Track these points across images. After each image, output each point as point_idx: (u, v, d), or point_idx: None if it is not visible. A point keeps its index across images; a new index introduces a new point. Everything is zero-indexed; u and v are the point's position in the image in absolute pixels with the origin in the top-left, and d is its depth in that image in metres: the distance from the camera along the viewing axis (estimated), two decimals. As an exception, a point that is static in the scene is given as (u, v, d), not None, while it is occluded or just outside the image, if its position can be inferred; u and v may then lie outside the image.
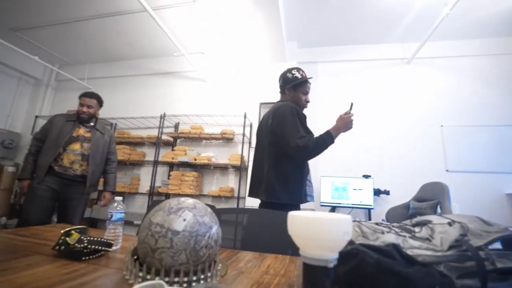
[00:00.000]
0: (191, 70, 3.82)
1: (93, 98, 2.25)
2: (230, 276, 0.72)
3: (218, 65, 3.83)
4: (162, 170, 3.55)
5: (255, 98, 3.46)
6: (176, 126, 3.68)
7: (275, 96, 3.28)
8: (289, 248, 1.12)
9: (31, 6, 3.20)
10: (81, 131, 2.19)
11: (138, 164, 3.73)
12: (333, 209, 3.00)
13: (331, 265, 0.47)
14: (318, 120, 3.37)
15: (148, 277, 0.59)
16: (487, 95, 3.20)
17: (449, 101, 3.26)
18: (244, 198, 3.09)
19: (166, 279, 0.58)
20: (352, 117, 1.52)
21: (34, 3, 3.13)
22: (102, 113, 2.49)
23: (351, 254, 0.61)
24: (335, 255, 0.47)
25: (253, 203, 2.94)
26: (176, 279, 0.60)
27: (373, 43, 3.60)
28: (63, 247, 0.80)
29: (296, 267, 0.85)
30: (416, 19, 3.11)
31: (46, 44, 4.10)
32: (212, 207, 1.11)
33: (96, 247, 0.81)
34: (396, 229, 0.69)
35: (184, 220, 0.63)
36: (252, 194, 1.60)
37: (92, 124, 2.28)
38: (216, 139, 3.42)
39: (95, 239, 0.82)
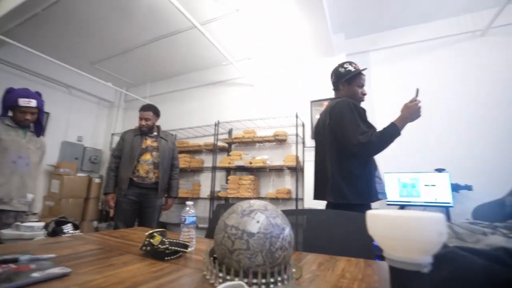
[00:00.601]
0: (240, 77, 3.95)
1: (149, 110, 2.44)
2: (305, 279, 0.70)
3: (265, 69, 3.88)
4: (220, 175, 3.73)
5: (305, 97, 3.39)
6: (230, 132, 3.83)
7: (325, 93, 3.20)
8: (357, 249, 1.05)
9: (103, 41, 3.73)
10: (148, 141, 2.44)
11: (198, 170, 3.99)
12: (401, 207, 2.72)
13: (425, 270, 0.42)
14: (376, 113, 3.12)
15: (228, 277, 0.61)
16: None
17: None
18: (302, 199, 3.04)
19: (245, 280, 0.59)
20: (419, 104, 1.37)
21: (105, 38, 3.64)
22: (164, 125, 2.73)
23: (447, 259, 0.54)
24: (429, 259, 0.42)
25: (312, 204, 2.88)
26: (254, 281, 0.60)
27: (433, 20, 3.17)
28: (148, 248, 0.89)
29: (374, 271, 0.79)
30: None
31: (116, 71, 4.72)
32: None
33: (176, 248, 0.88)
34: (503, 230, 0.59)
35: (258, 222, 0.64)
36: (317, 196, 1.56)
37: (155, 133, 2.51)
38: (269, 141, 3.45)
39: (174, 241, 0.89)
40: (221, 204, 1.60)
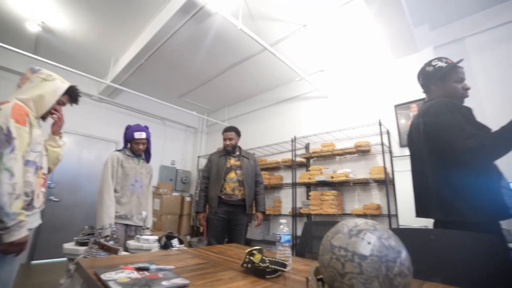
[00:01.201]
0: (312, 90, 3.91)
1: (231, 131, 2.66)
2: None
3: (339, 78, 3.74)
4: (300, 191, 3.67)
5: (388, 101, 3.08)
6: (307, 147, 3.78)
7: (411, 94, 2.85)
8: (484, 279, 0.85)
9: (187, 76, 4.31)
10: (232, 161, 2.62)
11: (278, 187, 4.03)
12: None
13: None
14: (487, 111, 2.58)
15: (340, 303, 0.57)
16: None
17: None
18: (396, 216, 2.68)
19: (360, 308, 0.54)
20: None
21: (189, 73, 4.21)
22: (243, 145, 2.89)
23: None
24: None
25: (410, 222, 2.51)
26: (372, 310, 0.54)
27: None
28: (249, 265, 0.92)
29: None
30: None
31: (198, 100, 5.35)
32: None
33: (275, 267, 0.89)
34: None
35: (369, 243, 0.58)
36: (420, 213, 1.35)
37: (238, 153, 2.69)
38: (350, 153, 3.24)
39: (274, 259, 0.89)
40: (310, 222, 1.55)
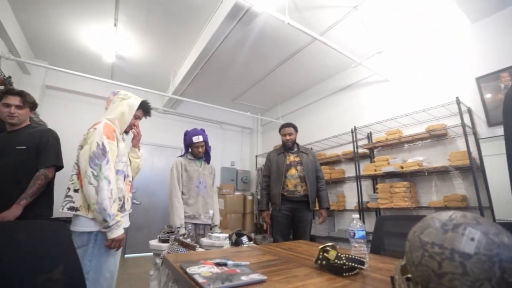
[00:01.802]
0: (370, 75, 3.60)
1: (290, 126, 2.64)
2: None
3: (400, 58, 3.35)
4: (365, 184, 3.43)
5: (467, 75, 2.62)
6: (369, 137, 3.50)
7: (498, 62, 2.38)
8: None
9: (239, 79, 4.44)
10: (291, 157, 2.59)
11: (340, 181, 3.85)
12: None
13: None
14: None
15: (439, 307, 0.51)
16: None
17: None
18: (490, 208, 2.27)
19: (467, 314, 0.47)
20: None
21: (240, 76, 4.33)
22: (299, 141, 2.82)
23: None
24: None
25: (507, 215, 2.10)
26: (483, 317, 0.47)
27: None
28: (324, 262, 0.89)
29: None
30: None
31: (251, 101, 5.46)
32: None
33: (353, 264, 0.84)
34: None
35: (472, 239, 0.50)
36: None
37: (296, 149, 2.65)
38: (422, 139, 2.87)
39: (351, 256, 0.85)
40: (383, 216, 1.43)
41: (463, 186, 2.60)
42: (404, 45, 3.31)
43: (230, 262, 0.88)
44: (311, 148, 4.20)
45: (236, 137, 6.22)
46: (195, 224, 2.28)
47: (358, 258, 0.85)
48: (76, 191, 1.24)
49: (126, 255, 4.31)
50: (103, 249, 1.22)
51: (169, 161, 5.10)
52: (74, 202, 1.22)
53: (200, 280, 0.70)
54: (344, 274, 0.83)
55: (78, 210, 1.21)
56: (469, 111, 2.59)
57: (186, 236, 1.55)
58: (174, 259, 1.02)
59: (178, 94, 4.33)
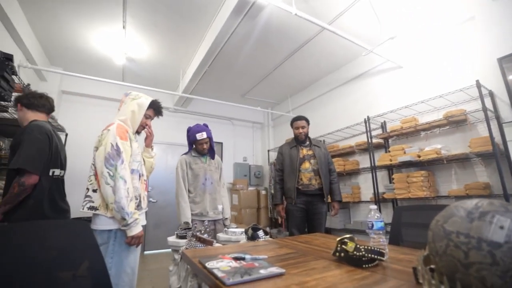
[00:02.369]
0: (383, 62, 3.49)
1: (302, 119, 2.61)
2: None
3: (414, 42, 3.22)
4: (380, 175, 3.35)
5: (487, 55, 2.48)
6: (383, 126, 3.41)
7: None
8: None
9: (248, 74, 4.42)
10: (304, 151, 2.57)
11: (354, 173, 3.78)
12: None
13: None
14: None
15: (467, 297, 0.49)
16: None
17: None
18: (515, 194, 2.17)
19: (498, 304, 0.45)
20: None
21: (249, 71, 4.31)
22: (310, 134, 2.78)
23: None
24: None
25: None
26: (517, 308, 0.45)
27: None
28: (342, 254, 0.88)
29: None
30: None
31: (261, 95, 5.43)
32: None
33: (372, 256, 0.83)
34: None
35: (502, 228, 0.48)
36: None
37: (308, 142, 2.62)
38: (439, 126, 2.76)
39: (371, 248, 0.83)
40: (402, 207, 1.40)
41: (486, 174, 2.50)
42: (418, 29, 3.18)
43: (248, 256, 0.88)
44: (323, 141, 4.16)
45: (247, 133, 6.22)
46: (203, 221, 2.22)
47: (378, 249, 0.84)
48: (94, 191, 1.28)
49: (146, 252, 4.44)
50: (123, 246, 1.25)
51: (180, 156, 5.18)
52: (93, 202, 1.26)
53: (220, 274, 0.71)
54: (364, 265, 0.82)
55: (98, 209, 1.25)
56: (491, 94, 2.47)
57: (203, 232, 1.57)
58: (192, 255, 1.03)
59: (188, 92, 4.36)
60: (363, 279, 0.71)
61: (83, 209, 1.26)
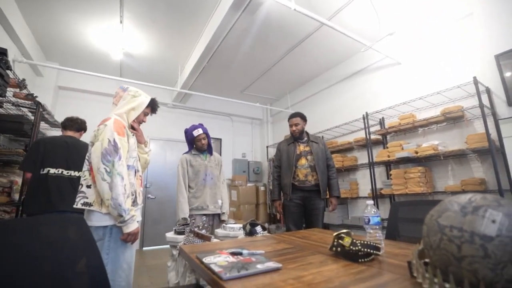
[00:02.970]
0: (382, 58, 3.48)
1: (296, 116, 2.61)
2: None
3: (413, 38, 3.20)
4: (378, 171, 3.37)
5: (484, 52, 2.48)
6: (381, 122, 3.42)
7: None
8: None
9: (247, 70, 4.40)
10: (301, 147, 2.57)
11: (353, 169, 3.80)
12: None
13: None
14: None
15: (459, 290, 0.50)
16: None
17: None
18: (510, 190, 2.19)
19: (489, 297, 0.46)
20: None
21: (248, 67, 4.29)
22: (310, 130, 2.78)
23: None
24: None
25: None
26: (506, 300, 0.46)
27: None
28: (339, 249, 0.89)
29: None
30: None
31: (260, 91, 5.42)
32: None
33: (368, 250, 0.83)
34: None
35: (494, 221, 0.49)
36: None
37: (306, 138, 2.62)
38: (436, 122, 2.78)
39: (366, 242, 0.84)
40: (398, 202, 1.41)
41: (482, 169, 2.52)
42: (416, 25, 3.17)
43: (245, 251, 0.89)
44: (322, 137, 4.16)
45: (246, 129, 6.22)
46: (205, 215, 2.36)
47: (374, 244, 0.85)
48: (88, 186, 1.26)
49: (144, 248, 4.46)
50: (118, 242, 1.25)
51: (180, 155, 5.17)
52: (87, 198, 1.24)
53: (217, 269, 0.72)
54: (360, 260, 0.82)
55: (92, 205, 1.23)
56: (488, 91, 2.47)
57: (201, 227, 1.58)
58: (190, 250, 1.04)
59: (187, 88, 4.34)
60: (359, 273, 0.72)
61: (76, 205, 1.24)
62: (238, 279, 0.67)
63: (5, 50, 1.96)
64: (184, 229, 1.79)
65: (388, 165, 3.24)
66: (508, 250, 0.46)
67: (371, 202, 0.98)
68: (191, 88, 4.39)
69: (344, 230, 0.95)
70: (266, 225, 1.66)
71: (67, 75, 4.05)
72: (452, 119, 2.69)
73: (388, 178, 3.16)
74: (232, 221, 2.24)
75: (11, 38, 2.91)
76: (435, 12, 2.96)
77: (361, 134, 3.54)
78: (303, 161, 2.51)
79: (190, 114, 5.43)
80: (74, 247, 0.88)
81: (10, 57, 2.57)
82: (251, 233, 1.51)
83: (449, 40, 2.86)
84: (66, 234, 0.89)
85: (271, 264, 0.76)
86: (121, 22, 3.10)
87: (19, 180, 2.35)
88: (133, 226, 1.26)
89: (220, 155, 5.45)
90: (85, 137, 2.47)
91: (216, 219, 2.44)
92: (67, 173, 2.04)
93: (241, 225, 1.78)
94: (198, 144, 2.44)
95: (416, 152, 2.77)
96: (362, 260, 0.82)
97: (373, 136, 3.35)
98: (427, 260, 0.63)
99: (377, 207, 3.14)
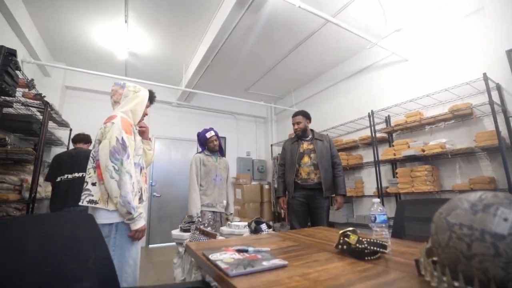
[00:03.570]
0: (388, 55, 3.44)
1: (298, 115, 2.61)
2: None
3: (420, 35, 3.15)
4: (384, 169, 3.34)
5: (495, 48, 2.42)
6: (387, 120, 3.38)
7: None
8: None
9: (251, 68, 4.40)
10: (305, 145, 2.56)
11: (358, 167, 3.77)
12: None
13: None
14: None
15: (469, 289, 0.49)
16: None
17: None
18: (519, 189, 2.15)
19: (500, 296, 0.45)
20: None
21: (252, 65, 4.28)
22: (315, 128, 2.77)
23: None
24: None
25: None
26: (519, 299, 0.45)
27: None
28: (345, 247, 0.89)
29: None
30: None
31: (264, 90, 5.41)
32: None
33: (375, 248, 0.83)
34: None
35: (505, 220, 0.48)
36: None
37: (310, 136, 2.61)
38: (444, 120, 2.73)
39: (373, 240, 0.84)
40: (404, 201, 1.40)
41: (491, 168, 2.48)
42: (424, 21, 3.12)
43: (251, 249, 0.89)
44: (327, 135, 4.14)
45: (250, 127, 6.22)
46: (213, 212, 2.51)
47: (380, 242, 0.84)
48: (93, 184, 1.26)
49: (150, 245, 4.50)
50: (124, 239, 1.26)
51: (186, 154, 5.20)
52: (92, 195, 1.25)
53: (223, 266, 0.72)
54: (366, 258, 0.82)
55: (97, 203, 1.24)
56: (498, 87, 2.42)
57: (206, 225, 1.59)
58: (196, 247, 1.05)
59: (191, 87, 4.36)
60: (365, 271, 0.72)
61: (82, 202, 1.25)
62: (244, 276, 0.67)
63: (15, 51, 1.99)
64: (189, 226, 1.81)
65: (394, 163, 3.21)
66: (520, 249, 0.45)
67: (377, 200, 0.97)
68: (195, 87, 4.40)
69: (350, 228, 0.94)
70: (271, 223, 1.66)
71: (73, 75, 4.10)
72: (460, 117, 2.65)
73: (394, 177, 3.14)
74: (237, 219, 2.25)
75: (19, 38, 2.95)
76: (443, 7, 2.91)
77: (367, 132, 3.51)
78: (306, 159, 2.50)
79: (195, 113, 5.45)
80: (84, 244, 0.90)
81: (19, 58, 2.62)
82: (256, 231, 1.51)
83: (457, 36, 2.81)
84: (76, 230, 0.91)
85: (277, 261, 0.76)
86: (126, 21, 3.12)
87: (29, 178, 2.40)
88: (140, 223, 1.27)
89: (225, 153, 5.46)
90: (92, 137, 2.51)
91: (222, 218, 2.59)
92: (73, 175, 2.47)
93: (246, 223, 1.79)
94: (211, 145, 2.63)
95: (423, 150, 2.73)
96: (369, 258, 0.82)
97: (378, 134, 3.32)
98: (435, 258, 0.62)
99: (383, 206, 3.11)
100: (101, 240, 0.92)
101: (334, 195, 2.54)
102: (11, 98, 2.19)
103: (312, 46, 3.74)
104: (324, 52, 3.93)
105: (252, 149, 6.13)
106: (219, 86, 5.00)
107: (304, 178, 2.47)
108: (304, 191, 2.46)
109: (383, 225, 0.95)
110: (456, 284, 0.51)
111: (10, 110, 2.53)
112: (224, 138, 5.74)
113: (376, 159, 3.18)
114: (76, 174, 2.47)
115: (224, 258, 0.80)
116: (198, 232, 1.50)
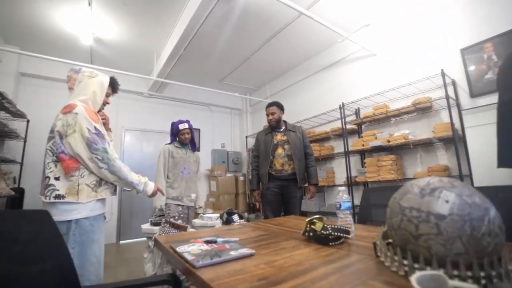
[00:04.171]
0: (358, 50, 3.55)
1: (272, 105, 2.63)
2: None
3: (388, 30, 3.29)
4: (353, 160, 3.50)
5: (451, 46, 2.62)
6: (357, 112, 3.52)
7: (482, 32, 2.38)
8: None
9: (225, 59, 4.32)
10: (279, 137, 2.60)
11: (329, 158, 3.91)
12: None
13: None
14: None
15: (416, 265, 0.53)
16: None
17: None
18: (469, 176, 2.37)
19: (441, 270, 0.49)
20: None
21: (226, 56, 4.21)
22: (288, 119, 2.82)
23: None
24: None
25: (485, 182, 2.21)
26: (456, 272, 0.50)
27: None
28: (311, 234, 0.92)
29: None
30: None
31: (239, 81, 5.36)
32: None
33: (338, 234, 0.87)
34: None
35: (447, 201, 0.52)
36: (508, 162, 1.17)
37: (283, 127, 2.65)
38: (408, 113, 2.91)
39: (336, 227, 0.88)
40: (369, 188, 1.48)
41: (446, 157, 2.69)
42: (391, 17, 3.26)
43: (219, 239, 0.89)
44: (301, 126, 4.22)
45: (225, 119, 6.16)
46: (181, 206, 2.45)
47: (344, 228, 0.88)
48: (57, 178, 1.19)
49: (121, 242, 4.35)
50: (84, 236, 1.20)
51: (158, 146, 5.03)
52: (58, 190, 1.17)
53: (189, 257, 0.72)
54: (331, 243, 0.86)
55: (65, 196, 1.17)
56: (453, 83, 2.62)
57: (177, 217, 1.57)
58: (165, 240, 1.03)
59: (163, 76, 4.19)
60: (328, 256, 0.75)
61: (49, 199, 1.16)
62: (210, 266, 0.67)
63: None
64: (160, 220, 1.77)
65: (362, 153, 3.37)
66: (457, 227, 0.49)
67: (343, 188, 1.01)
68: (167, 77, 4.24)
69: (317, 216, 0.98)
70: (246, 214, 1.68)
71: (30, 61, 3.76)
72: (422, 110, 2.83)
73: (362, 166, 3.30)
74: (209, 211, 2.25)
75: (-39, 17, 2.63)
76: (410, 4, 3.05)
77: (338, 124, 3.64)
78: (280, 150, 2.54)
79: (168, 104, 5.27)
80: (39, 243, 0.84)
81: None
82: (228, 221, 1.52)
83: (420, 32, 2.98)
84: (29, 229, 0.85)
85: (245, 251, 0.77)
86: (89, 4, 2.90)
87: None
88: (151, 189, 1.41)
89: (199, 145, 5.37)
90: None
91: (191, 211, 2.55)
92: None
93: (218, 215, 1.79)
94: (182, 137, 2.58)
95: (389, 141, 2.90)
96: (333, 243, 0.86)
97: (349, 126, 3.46)
98: (390, 240, 0.67)
99: (352, 194, 3.28)
100: (58, 238, 0.87)
101: (307, 184, 2.62)
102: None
103: (286, 38, 3.76)
104: (298, 44, 3.96)
105: (227, 141, 6.09)
106: (193, 76, 4.86)
107: (278, 169, 2.51)
108: (278, 182, 2.51)
109: (348, 212, 1.00)
110: (405, 262, 0.55)
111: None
112: (199, 130, 5.63)
113: (346, 149, 3.31)
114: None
115: (192, 249, 0.80)
116: (168, 225, 1.47)
